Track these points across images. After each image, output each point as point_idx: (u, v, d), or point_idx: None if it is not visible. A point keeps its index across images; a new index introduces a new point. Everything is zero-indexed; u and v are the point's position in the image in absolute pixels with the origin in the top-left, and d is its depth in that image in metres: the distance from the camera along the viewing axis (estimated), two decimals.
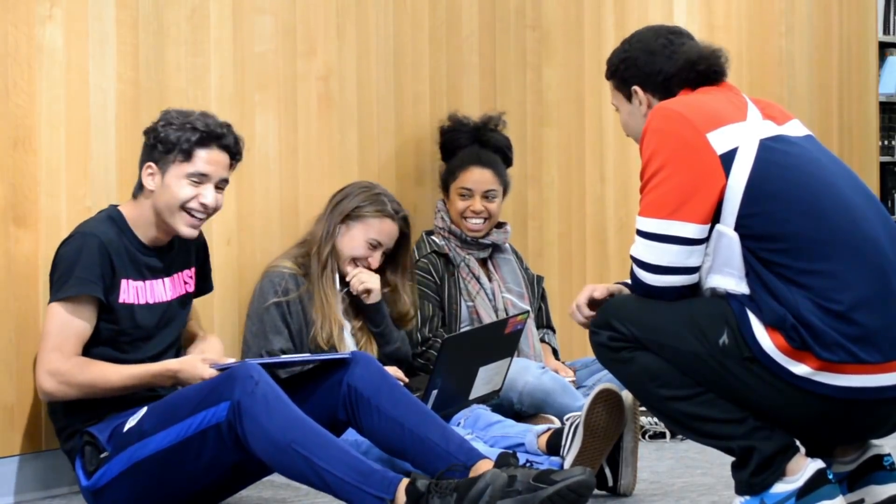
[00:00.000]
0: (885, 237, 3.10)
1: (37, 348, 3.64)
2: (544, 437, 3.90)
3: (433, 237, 4.92)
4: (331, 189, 4.57)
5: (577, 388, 4.72)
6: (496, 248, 5.00)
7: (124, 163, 4.02)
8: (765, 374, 3.04)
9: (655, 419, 4.51)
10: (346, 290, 4.41)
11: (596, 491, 3.55)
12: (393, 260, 4.52)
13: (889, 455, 3.25)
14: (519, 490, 3.20)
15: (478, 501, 3.12)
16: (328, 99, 4.75)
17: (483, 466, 3.35)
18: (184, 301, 3.76)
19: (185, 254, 3.79)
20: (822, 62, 7.37)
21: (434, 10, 5.15)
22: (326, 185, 4.64)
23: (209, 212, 3.66)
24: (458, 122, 5.04)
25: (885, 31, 8.48)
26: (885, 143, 8.42)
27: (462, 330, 4.76)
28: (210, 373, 3.45)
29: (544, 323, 5.15)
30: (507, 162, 5.05)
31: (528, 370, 4.51)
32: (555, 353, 5.09)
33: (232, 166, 3.71)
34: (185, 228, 3.64)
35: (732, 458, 3.13)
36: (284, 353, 4.27)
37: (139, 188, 3.69)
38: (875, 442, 3.26)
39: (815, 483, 3.05)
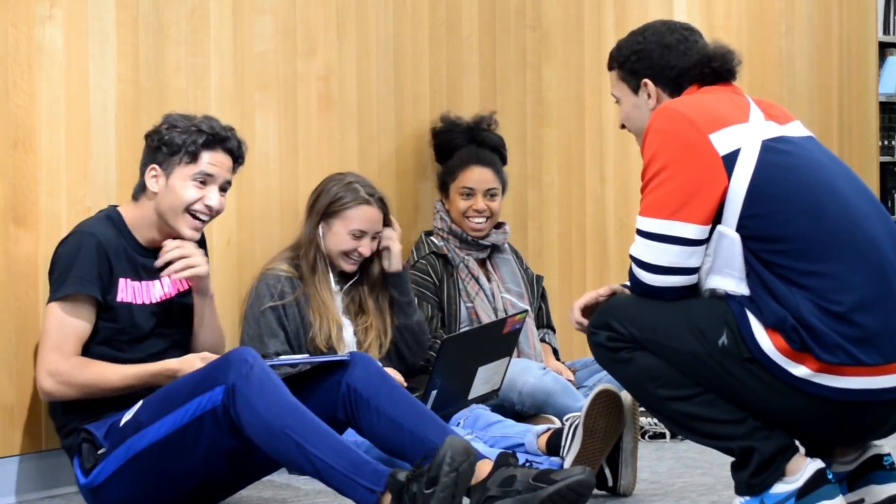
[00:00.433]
0: (886, 238, 3.10)
1: (37, 348, 3.64)
2: (544, 438, 3.90)
3: (432, 238, 4.91)
4: None
5: (577, 388, 4.72)
6: (495, 249, 5.00)
7: (124, 163, 4.02)
8: (764, 376, 3.03)
9: (655, 420, 4.50)
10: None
11: (596, 491, 3.55)
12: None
13: (889, 455, 3.25)
14: (519, 490, 3.20)
15: (440, 469, 3.10)
16: (328, 99, 4.75)
17: (483, 467, 3.33)
18: (184, 301, 3.76)
19: None
20: (822, 62, 7.37)
21: (434, 10, 5.15)
22: None
23: (213, 214, 3.67)
24: (451, 122, 5.03)
25: (885, 31, 8.47)
26: (885, 143, 8.41)
27: (461, 330, 4.75)
28: None
29: (544, 323, 5.15)
30: (503, 160, 5.04)
31: (529, 371, 4.51)
32: (555, 352, 5.09)
33: (234, 169, 3.72)
34: (187, 231, 3.64)
35: (732, 459, 3.13)
36: (280, 356, 4.25)
37: (140, 190, 3.69)
38: (875, 442, 3.26)
39: (815, 483, 3.05)
